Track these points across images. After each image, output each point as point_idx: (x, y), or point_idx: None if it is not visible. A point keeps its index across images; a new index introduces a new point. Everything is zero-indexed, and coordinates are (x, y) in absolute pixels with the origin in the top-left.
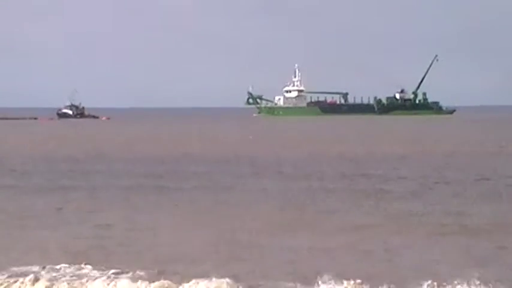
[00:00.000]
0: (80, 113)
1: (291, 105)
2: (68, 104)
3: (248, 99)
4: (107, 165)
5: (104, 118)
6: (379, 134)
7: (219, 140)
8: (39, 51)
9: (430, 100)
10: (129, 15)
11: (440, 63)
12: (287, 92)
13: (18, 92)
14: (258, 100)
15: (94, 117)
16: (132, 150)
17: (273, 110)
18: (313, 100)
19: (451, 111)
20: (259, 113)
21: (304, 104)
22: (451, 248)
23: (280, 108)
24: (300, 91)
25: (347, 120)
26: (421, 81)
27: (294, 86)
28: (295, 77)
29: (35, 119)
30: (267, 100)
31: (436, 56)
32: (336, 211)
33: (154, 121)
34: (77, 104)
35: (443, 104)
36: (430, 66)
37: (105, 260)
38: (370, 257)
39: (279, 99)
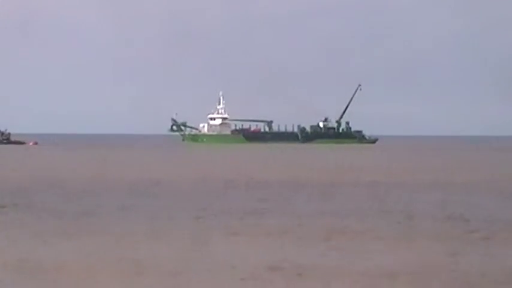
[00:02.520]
0: (5, 138)
1: (215, 133)
2: None
3: (172, 126)
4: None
5: (31, 143)
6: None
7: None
8: None
9: (353, 129)
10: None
11: (364, 92)
12: (211, 119)
13: None
14: (182, 127)
15: (20, 143)
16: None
17: (196, 138)
18: (237, 128)
19: (374, 141)
20: (183, 140)
21: (229, 132)
22: None
23: (204, 135)
24: (224, 118)
25: (268, 148)
26: (345, 110)
27: (218, 113)
28: (219, 104)
29: None
30: (191, 127)
31: (360, 85)
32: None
33: (85, 147)
34: (2, 129)
35: (367, 133)
36: (354, 95)
37: None
38: None
39: (203, 126)
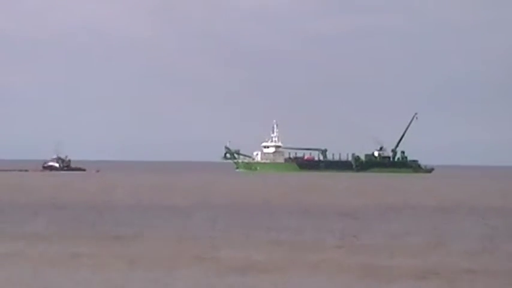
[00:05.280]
0: (66, 165)
1: (268, 161)
2: (54, 156)
3: (225, 153)
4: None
5: (94, 171)
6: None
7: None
8: (21, 101)
9: (409, 158)
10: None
11: (420, 121)
12: (265, 147)
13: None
14: (235, 155)
15: (80, 169)
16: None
17: (250, 165)
18: (291, 156)
19: (430, 170)
20: (237, 168)
21: (282, 160)
22: None
23: (258, 163)
24: (277, 147)
25: (321, 177)
26: (400, 139)
27: (271, 141)
28: (273, 132)
29: (26, 171)
30: (244, 155)
31: (416, 114)
32: None
33: (150, 174)
34: (63, 156)
35: (423, 162)
36: (410, 124)
37: None
38: None
39: (257, 154)
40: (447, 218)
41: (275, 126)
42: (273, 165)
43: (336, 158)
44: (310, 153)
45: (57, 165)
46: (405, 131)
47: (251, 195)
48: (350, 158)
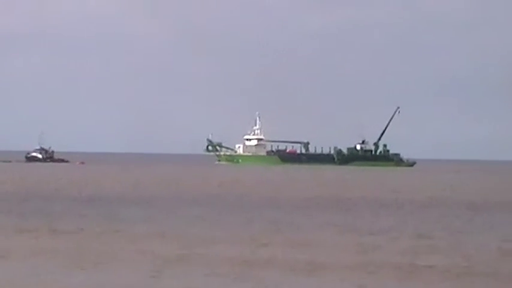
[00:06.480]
0: (49, 156)
1: (250, 154)
2: (37, 147)
3: (208, 146)
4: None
5: (77, 163)
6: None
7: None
8: (4, 92)
9: (391, 152)
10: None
11: (402, 115)
12: (247, 140)
13: None
14: (218, 147)
15: (64, 161)
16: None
17: (232, 158)
18: (273, 149)
19: (412, 164)
20: (219, 160)
21: (264, 153)
22: None
23: (240, 156)
24: (259, 139)
25: (301, 170)
26: (383, 133)
27: (254, 134)
28: (255, 125)
29: (9, 161)
30: (226, 148)
31: (398, 108)
32: None
33: (133, 165)
34: (46, 147)
35: (405, 156)
36: (392, 117)
37: None
38: None
39: (239, 147)
40: (423, 213)
41: (257, 119)
42: (255, 158)
43: (318, 151)
44: (293, 146)
45: (40, 156)
46: (387, 125)
47: (215, 188)
48: (332, 151)
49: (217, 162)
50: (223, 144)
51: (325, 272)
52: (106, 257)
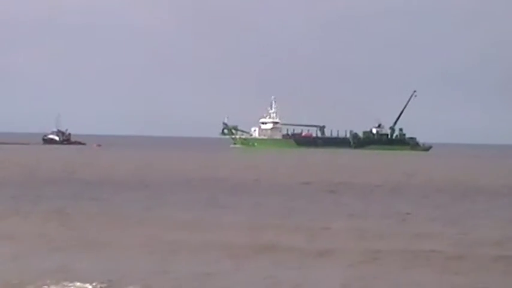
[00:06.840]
0: (66, 139)
1: (266, 137)
2: (55, 129)
3: (223, 129)
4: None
5: (94, 145)
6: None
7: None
8: (24, 76)
9: (407, 136)
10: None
11: (419, 99)
12: (263, 123)
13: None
14: (233, 131)
15: (80, 143)
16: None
17: (247, 141)
18: (289, 132)
19: (428, 148)
20: (234, 143)
21: (280, 136)
22: None
23: (255, 139)
24: (275, 123)
25: (316, 154)
26: (399, 117)
27: (269, 117)
28: (271, 108)
29: (27, 144)
30: (242, 131)
31: (415, 91)
32: None
33: (148, 149)
34: (63, 129)
35: (421, 140)
36: (408, 101)
37: None
38: None
39: (255, 130)
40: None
41: (273, 102)
42: (271, 142)
43: (334, 134)
44: (308, 130)
45: (57, 138)
46: (404, 109)
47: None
48: (348, 135)
49: (232, 146)
50: (239, 128)
51: (333, 257)
52: (115, 241)
